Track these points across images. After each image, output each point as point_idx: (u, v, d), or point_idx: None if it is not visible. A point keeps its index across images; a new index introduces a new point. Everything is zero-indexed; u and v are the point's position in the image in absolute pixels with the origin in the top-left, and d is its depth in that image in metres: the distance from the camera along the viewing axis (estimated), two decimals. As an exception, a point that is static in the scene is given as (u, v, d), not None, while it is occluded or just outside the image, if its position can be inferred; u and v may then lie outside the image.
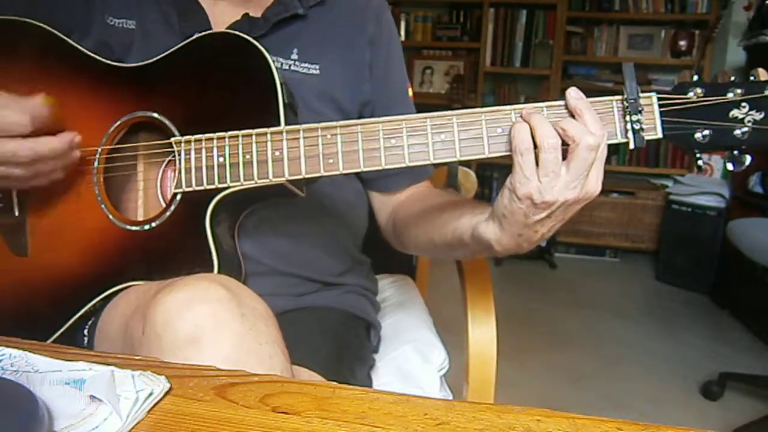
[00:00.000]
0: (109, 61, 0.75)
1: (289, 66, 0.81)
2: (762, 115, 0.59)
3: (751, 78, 0.60)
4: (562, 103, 0.61)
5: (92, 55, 0.76)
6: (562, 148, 0.58)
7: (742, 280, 2.65)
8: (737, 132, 0.60)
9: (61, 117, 0.71)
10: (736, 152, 0.61)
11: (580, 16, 3.51)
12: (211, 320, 0.54)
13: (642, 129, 0.61)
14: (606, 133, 0.60)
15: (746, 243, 1.83)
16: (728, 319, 2.70)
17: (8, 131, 0.65)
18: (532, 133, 0.58)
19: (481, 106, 0.64)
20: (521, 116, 0.60)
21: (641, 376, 2.16)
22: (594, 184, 0.60)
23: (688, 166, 3.36)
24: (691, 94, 0.61)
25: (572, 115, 0.60)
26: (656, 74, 3.46)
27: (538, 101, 0.61)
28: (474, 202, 0.74)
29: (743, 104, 0.60)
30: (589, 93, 0.61)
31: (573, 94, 0.60)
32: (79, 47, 0.76)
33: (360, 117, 0.83)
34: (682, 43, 3.36)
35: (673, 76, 3.45)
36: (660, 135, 0.61)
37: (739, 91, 0.60)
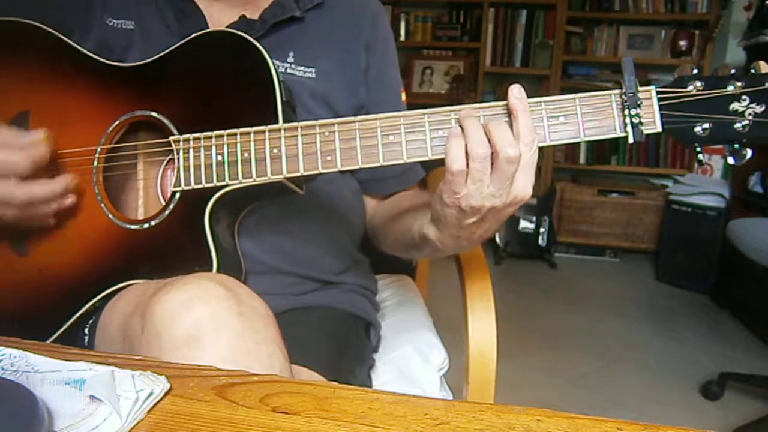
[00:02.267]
0: (108, 61, 0.75)
1: (285, 68, 0.81)
2: (763, 108, 0.59)
3: (752, 71, 0.60)
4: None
5: (91, 55, 0.76)
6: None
7: (742, 280, 2.65)
8: (738, 125, 0.59)
9: (58, 151, 0.70)
10: (736, 146, 0.61)
11: (580, 16, 3.50)
12: (210, 319, 0.54)
13: (641, 123, 0.60)
14: (536, 138, 0.58)
15: (746, 243, 1.82)
16: (728, 319, 2.70)
17: (5, 171, 0.64)
18: (465, 140, 0.58)
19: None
20: (459, 119, 0.60)
21: (641, 376, 2.16)
22: (522, 189, 0.59)
23: (688, 165, 3.36)
24: (690, 87, 0.60)
25: (510, 115, 0.59)
26: (656, 74, 3.45)
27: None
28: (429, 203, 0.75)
29: (744, 97, 0.59)
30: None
31: (515, 92, 0.59)
32: (79, 47, 0.76)
33: None
34: (682, 43, 3.35)
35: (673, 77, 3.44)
36: (659, 129, 0.61)
37: (739, 83, 0.59)
